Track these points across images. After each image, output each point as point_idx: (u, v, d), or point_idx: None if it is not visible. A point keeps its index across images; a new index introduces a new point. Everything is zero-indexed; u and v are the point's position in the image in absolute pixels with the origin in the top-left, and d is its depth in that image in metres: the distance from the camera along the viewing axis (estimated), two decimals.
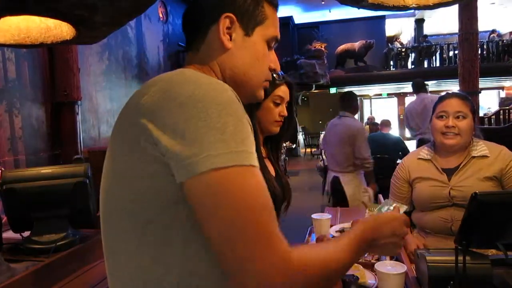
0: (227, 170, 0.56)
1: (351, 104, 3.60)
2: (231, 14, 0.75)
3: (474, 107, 1.69)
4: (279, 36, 0.83)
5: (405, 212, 0.97)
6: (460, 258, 0.93)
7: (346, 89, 14.81)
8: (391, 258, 1.45)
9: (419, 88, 5.14)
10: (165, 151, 0.59)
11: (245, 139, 0.59)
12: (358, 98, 17.97)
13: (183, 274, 0.62)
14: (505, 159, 1.60)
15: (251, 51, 0.78)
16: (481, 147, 1.66)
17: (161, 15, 8.88)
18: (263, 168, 1.35)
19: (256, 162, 0.60)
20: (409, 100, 17.62)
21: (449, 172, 1.67)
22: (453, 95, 1.73)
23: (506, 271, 1.01)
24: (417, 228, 1.81)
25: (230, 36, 0.76)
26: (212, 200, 0.56)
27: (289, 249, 0.57)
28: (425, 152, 1.78)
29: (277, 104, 1.41)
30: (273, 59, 0.84)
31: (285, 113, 1.43)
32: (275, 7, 0.82)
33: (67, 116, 5.04)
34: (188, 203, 0.58)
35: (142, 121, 0.61)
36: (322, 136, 7.72)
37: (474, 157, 1.64)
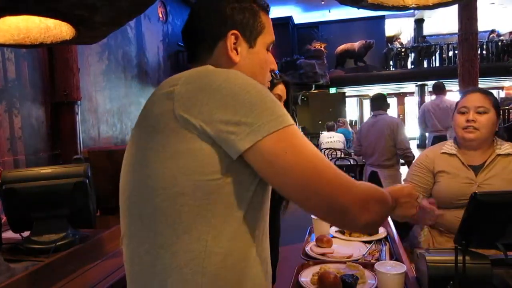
0: (284, 129, 0.65)
1: (384, 103, 4.08)
2: (236, 31, 0.81)
3: (498, 103, 1.66)
4: (274, 39, 0.90)
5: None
6: (460, 258, 0.93)
7: (346, 89, 14.83)
8: (391, 258, 1.45)
9: (440, 90, 5.72)
10: (216, 131, 0.66)
11: (280, 106, 0.69)
12: (358, 98, 18.05)
13: (212, 243, 0.68)
14: None
15: (255, 61, 0.85)
16: (506, 146, 1.65)
17: (160, 15, 8.87)
18: None
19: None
20: (408, 100, 17.65)
21: (475, 169, 1.64)
22: (475, 90, 1.71)
23: (506, 271, 1.01)
24: (428, 226, 1.76)
25: (236, 51, 0.82)
26: (283, 156, 0.64)
27: (357, 183, 0.68)
28: (448, 146, 1.74)
29: None
30: (271, 61, 0.90)
31: None
32: (268, 12, 0.88)
33: (66, 116, 5.04)
34: (254, 168, 0.67)
35: (177, 110, 0.68)
36: (322, 136, 7.72)
37: (499, 155, 1.63)
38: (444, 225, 1.67)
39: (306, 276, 1.31)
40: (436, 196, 1.68)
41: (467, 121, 1.62)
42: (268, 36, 0.86)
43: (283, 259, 1.70)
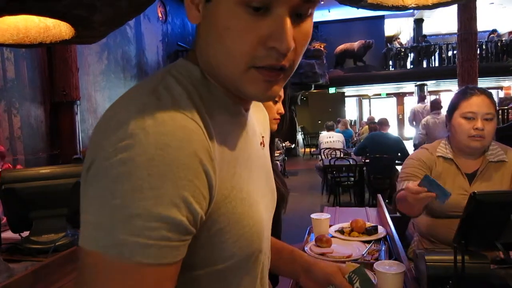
0: (98, 256, 0.45)
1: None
2: None
3: (496, 106, 1.58)
4: None
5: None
6: (459, 257, 0.93)
7: (345, 89, 14.84)
8: (390, 258, 1.45)
9: (435, 108, 6.09)
10: None
11: (135, 216, 0.44)
12: (357, 98, 18.07)
13: None
14: None
15: (217, 20, 0.51)
16: (498, 151, 1.57)
17: (160, 15, 8.88)
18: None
19: (159, 259, 0.46)
20: (408, 100, 17.66)
21: (469, 177, 1.56)
22: (481, 92, 1.56)
23: (505, 270, 1.01)
24: (418, 235, 1.71)
25: (198, 7, 0.54)
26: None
27: None
28: (443, 149, 1.62)
29: (275, 102, 1.41)
30: (272, 32, 0.49)
31: (283, 110, 1.43)
32: None
33: (66, 116, 5.04)
34: None
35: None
36: (321, 136, 7.72)
37: (490, 162, 1.55)
38: (435, 235, 1.61)
39: None
40: (429, 206, 1.57)
41: (476, 129, 1.49)
42: None
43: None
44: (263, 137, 0.72)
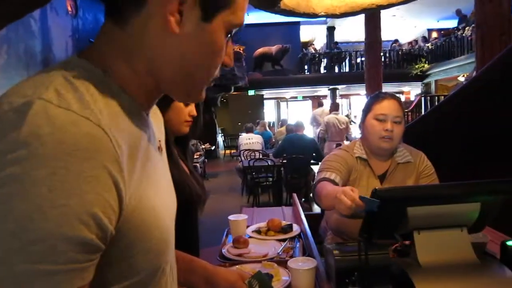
0: None
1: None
2: None
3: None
4: (243, 23, 0.59)
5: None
6: (363, 250, 1.00)
7: (264, 92, 15.21)
8: (304, 254, 1.51)
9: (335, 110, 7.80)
10: None
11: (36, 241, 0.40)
12: (275, 100, 18.60)
13: None
14: (422, 165, 1.68)
15: (206, 42, 0.54)
16: (404, 153, 1.68)
17: (69, 8, 8.28)
18: (178, 167, 1.33)
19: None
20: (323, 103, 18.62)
21: (380, 178, 1.66)
22: (392, 96, 1.67)
23: (402, 259, 1.10)
24: (332, 232, 1.75)
25: (180, 16, 0.52)
26: None
27: None
28: (359, 150, 1.69)
29: (186, 104, 1.38)
30: (228, 52, 0.60)
31: (195, 112, 1.41)
32: None
33: None
34: None
35: None
36: (241, 137, 7.81)
37: (399, 163, 1.66)
38: (346, 233, 1.66)
39: None
40: None
41: (386, 130, 1.59)
42: (237, 15, 0.56)
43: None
44: (159, 141, 0.68)
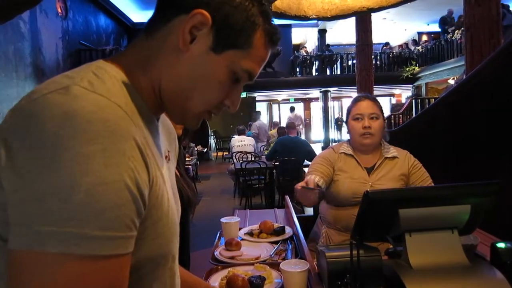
0: (48, 256, 0.42)
1: None
2: (207, 14, 0.56)
3: (382, 108, 1.84)
4: (255, 74, 0.63)
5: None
6: (355, 252, 1.00)
7: (256, 94, 15.22)
8: (296, 257, 1.51)
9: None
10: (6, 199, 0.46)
11: (105, 211, 0.44)
12: (267, 103, 18.63)
13: None
14: (410, 160, 1.80)
15: (207, 70, 0.59)
16: (391, 150, 1.82)
17: (59, 10, 8.22)
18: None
19: (118, 250, 0.46)
20: (314, 105, 18.72)
21: (368, 170, 1.79)
22: (365, 97, 1.84)
23: (394, 261, 1.11)
24: (326, 227, 1.84)
25: (192, 38, 0.57)
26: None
27: None
28: (345, 147, 1.85)
29: None
30: (233, 98, 0.63)
31: None
32: (272, 44, 0.65)
33: None
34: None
35: None
36: (233, 139, 7.80)
37: (386, 158, 1.80)
38: (341, 224, 1.77)
39: (214, 281, 1.30)
40: (335, 194, 1.78)
41: (364, 127, 1.75)
42: (247, 62, 0.60)
43: (193, 265, 1.67)
44: (168, 151, 0.71)
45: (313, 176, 1.70)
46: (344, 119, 1.97)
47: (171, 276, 0.66)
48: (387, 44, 15.28)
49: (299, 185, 1.55)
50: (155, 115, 0.63)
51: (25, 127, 0.46)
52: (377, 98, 1.92)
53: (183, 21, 0.56)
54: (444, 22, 12.35)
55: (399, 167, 1.78)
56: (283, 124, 9.96)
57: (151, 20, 0.61)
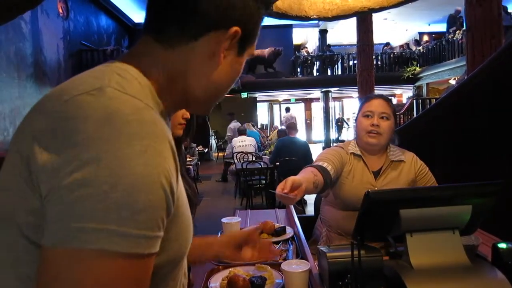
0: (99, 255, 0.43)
1: None
2: (238, 29, 0.61)
3: (395, 111, 1.77)
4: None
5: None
6: (356, 252, 1.00)
7: (257, 94, 15.23)
8: (297, 257, 1.51)
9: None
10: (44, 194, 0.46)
11: (142, 211, 0.45)
12: (268, 103, 18.62)
13: None
14: (417, 165, 1.74)
15: (234, 71, 0.66)
16: (397, 153, 1.76)
17: (60, 11, 8.23)
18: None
19: (150, 249, 0.47)
20: (315, 105, 18.70)
21: (375, 174, 1.72)
22: (379, 96, 1.79)
23: (395, 261, 1.11)
24: (326, 230, 1.79)
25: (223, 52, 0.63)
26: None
27: None
28: (353, 147, 1.78)
29: None
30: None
31: (188, 115, 1.40)
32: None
33: None
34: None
35: (31, 146, 0.48)
36: (233, 140, 7.80)
37: (392, 161, 1.73)
38: (343, 228, 1.71)
39: (215, 281, 1.30)
40: (342, 199, 1.72)
41: (372, 125, 1.68)
42: (253, 49, 0.70)
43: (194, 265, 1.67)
44: None
45: (299, 176, 1.55)
46: (351, 118, 1.95)
47: (182, 274, 0.67)
48: (388, 44, 15.26)
49: (279, 190, 1.47)
50: (168, 115, 0.66)
51: (62, 128, 0.46)
52: None
53: (218, 37, 0.60)
54: (453, 20, 12.26)
55: (406, 172, 1.73)
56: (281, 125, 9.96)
57: (168, 31, 0.60)
